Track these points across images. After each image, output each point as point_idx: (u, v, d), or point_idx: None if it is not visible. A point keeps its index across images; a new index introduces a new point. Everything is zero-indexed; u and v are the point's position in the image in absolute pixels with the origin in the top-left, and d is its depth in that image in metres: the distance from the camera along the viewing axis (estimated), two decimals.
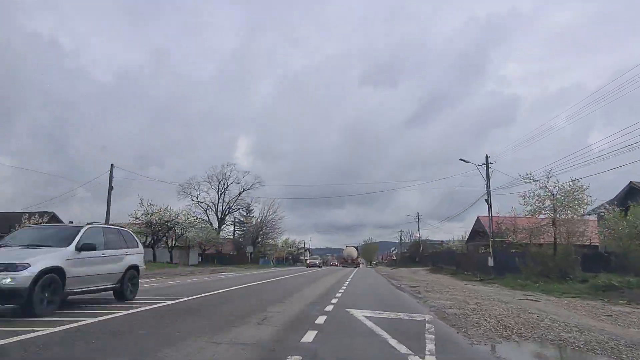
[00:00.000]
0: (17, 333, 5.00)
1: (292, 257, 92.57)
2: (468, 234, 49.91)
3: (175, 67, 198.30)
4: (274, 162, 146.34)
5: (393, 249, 52.45)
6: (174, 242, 35.22)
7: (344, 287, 14.93)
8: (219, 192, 53.79)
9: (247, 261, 47.69)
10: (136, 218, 30.45)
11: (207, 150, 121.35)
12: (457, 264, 31.82)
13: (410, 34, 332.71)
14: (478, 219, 41.75)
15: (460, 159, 26.50)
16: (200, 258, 42.31)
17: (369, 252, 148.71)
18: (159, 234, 32.31)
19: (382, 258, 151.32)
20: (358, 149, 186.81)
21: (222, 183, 54.46)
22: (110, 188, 31.01)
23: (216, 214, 53.43)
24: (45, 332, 5.21)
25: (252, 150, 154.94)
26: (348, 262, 64.85)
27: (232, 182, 54.98)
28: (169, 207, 31.78)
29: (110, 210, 30.69)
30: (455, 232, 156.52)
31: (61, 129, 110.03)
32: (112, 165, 31.25)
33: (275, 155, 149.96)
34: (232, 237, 57.02)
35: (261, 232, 55.79)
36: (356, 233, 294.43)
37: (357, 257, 71.18)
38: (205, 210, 52.39)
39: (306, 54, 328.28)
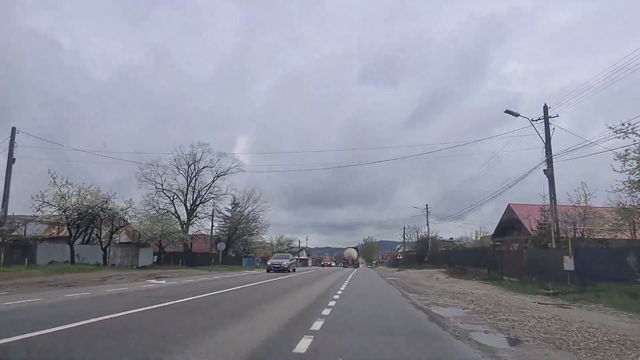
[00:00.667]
0: None
1: None
2: (490, 229, 41.48)
3: (175, 67, 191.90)
4: (274, 160, 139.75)
5: (399, 246, 43.20)
6: (110, 235, 26.51)
7: (318, 326, 6.35)
8: (189, 178, 44.85)
9: (219, 261, 38.96)
10: (43, 202, 21.76)
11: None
12: (490, 266, 23.24)
13: (411, 33, 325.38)
14: (509, 208, 33.11)
15: (507, 111, 17.90)
16: (156, 258, 33.68)
17: (370, 252, 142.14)
18: (79, 225, 23.63)
19: (382, 257, 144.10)
20: (358, 147, 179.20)
21: (192, 167, 45.25)
22: (11, 160, 22.40)
23: (184, 204, 44.50)
24: None
25: (252, 149, 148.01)
26: (349, 262, 69.76)
27: (205, 167, 45.66)
28: (94, 187, 23.18)
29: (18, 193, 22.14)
30: (457, 231, 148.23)
31: (61, 128, 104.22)
32: (13, 128, 22.68)
33: (274, 154, 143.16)
34: (210, 232, 48.05)
35: (240, 227, 46.89)
36: (356, 232, 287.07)
37: (357, 258, 76.14)
38: (172, 200, 43.53)
39: (306, 53, 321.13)
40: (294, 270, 30.92)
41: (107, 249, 25.54)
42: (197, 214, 44.24)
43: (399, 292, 14.28)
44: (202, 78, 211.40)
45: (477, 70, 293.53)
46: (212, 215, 47.19)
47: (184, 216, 43.39)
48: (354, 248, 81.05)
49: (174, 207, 43.03)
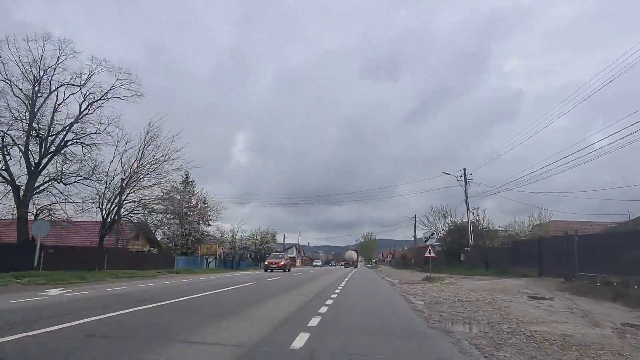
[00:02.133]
0: None
1: (259, 255, 63.83)
2: None
3: (172, 62, 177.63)
4: (273, 157, 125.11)
5: (431, 235, 24.44)
6: None
7: None
8: (32, 106, 21.94)
9: (109, 264, 19.41)
10: None
11: (205, 145, 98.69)
12: None
13: (411, 29, 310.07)
14: None
15: None
16: None
17: (369, 250, 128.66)
18: None
19: (382, 256, 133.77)
20: (358, 143, 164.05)
21: (39, 86, 22.34)
22: None
23: (25, 157, 22.00)
24: None
25: (250, 146, 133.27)
26: (349, 263, 77.73)
27: (64, 84, 23.07)
28: None
29: None
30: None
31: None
32: None
33: (273, 151, 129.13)
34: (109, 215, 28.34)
35: (130, 194, 26.35)
36: (354, 231, 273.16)
37: (357, 259, 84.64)
38: (2, 149, 21.56)
39: (306, 48, 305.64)
40: None
41: None
42: (65, 178, 23.90)
43: None
44: (200, 73, 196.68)
45: (478, 66, 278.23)
46: (122, 186, 27.40)
47: (23, 175, 22.73)
48: (354, 250, 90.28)
49: (5, 162, 21.59)
